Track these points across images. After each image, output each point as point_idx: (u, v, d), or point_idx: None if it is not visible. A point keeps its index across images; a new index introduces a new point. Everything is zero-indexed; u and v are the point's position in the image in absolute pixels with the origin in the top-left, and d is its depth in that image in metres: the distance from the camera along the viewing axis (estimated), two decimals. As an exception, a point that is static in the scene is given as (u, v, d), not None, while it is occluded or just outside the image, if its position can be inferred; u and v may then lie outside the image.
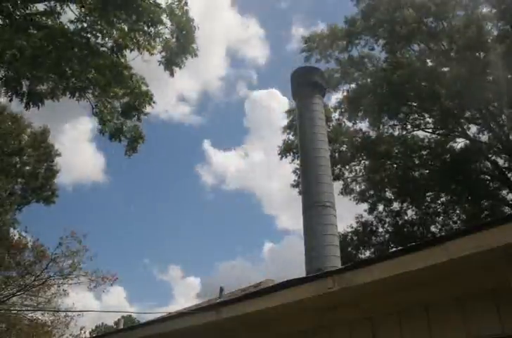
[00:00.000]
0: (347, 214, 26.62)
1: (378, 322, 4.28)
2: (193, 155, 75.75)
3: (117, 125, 11.12)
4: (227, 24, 48.55)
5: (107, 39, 10.04)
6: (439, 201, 21.83)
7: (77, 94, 10.33)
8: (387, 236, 22.01)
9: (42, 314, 18.23)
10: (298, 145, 15.63)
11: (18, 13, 8.89)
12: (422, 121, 21.66)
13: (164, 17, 10.29)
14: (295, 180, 22.34)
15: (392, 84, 18.84)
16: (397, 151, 21.39)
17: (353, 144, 21.99)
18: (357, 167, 22.89)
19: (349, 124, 22.53)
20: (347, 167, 22.72)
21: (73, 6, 9.80)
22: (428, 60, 20.48)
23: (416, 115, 21.60)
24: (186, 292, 70.29)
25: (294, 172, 22.56)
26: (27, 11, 9.22)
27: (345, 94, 22.27)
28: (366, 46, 21.44)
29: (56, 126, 44.10)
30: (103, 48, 10.02)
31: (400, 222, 21.79)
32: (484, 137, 20.73)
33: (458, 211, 21.47)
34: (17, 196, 20.80)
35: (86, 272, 17.54)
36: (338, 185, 22.44)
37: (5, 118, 19.79)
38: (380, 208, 22.31)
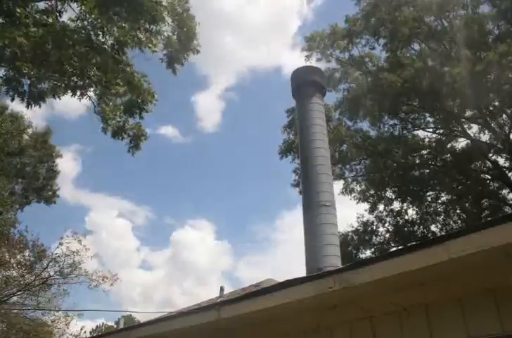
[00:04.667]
0: (348, 213, 26.65)
1: (378, 322, 4.28)
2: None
3: (119, 123, 11.12)
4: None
5: (108, 36, 10.04)
6: (439, 201, 21.84)
7: (78, 93, 10.32)
8: (387, 235, 22.03)
9: (42, 313, 18.27)
10: (298, 144, 15.61)
11: (19, 11, 8.89)
12: (422, 120, 21.67)
13: (165, 15, 10.29)
14: (295, 180, 22.36)
15: (393, 83, 18.82)
16: (397, 150, 21.36)
17: (353, 144, 21.98)
18: (358, 167, 22.91)
19: (350, 123, 22.55)
20: (348, 166, 22.72)
21: (74, 5, 9.81)
22: (429, 60, 20.47)
23: (417, 115, 21.59)
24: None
25: (294, 171, 22.58)
26: (28, 9, 9.21)
27: (346, 93, 22.28)
28: (367, 46, 21.46)
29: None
30: (104, 46, 10.01)
31: (401, 222, 21.80)
32: (485, 137, 20.76)
33: (458, 211, 21.46)
34: (17, 196, 20.82)
35: (87, 271, 17.58)
36: (339, 185, 22.48)
37: (5, 118, 19.78)
38: (381, 207, 22.34)
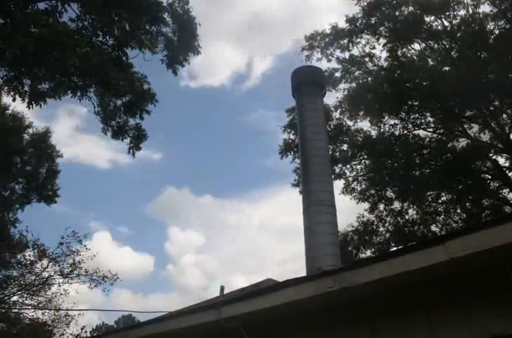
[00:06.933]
0: (348, 213, 26.68)
1: (378, 322, 4.28)
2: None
3: (119, 124, 11.12)
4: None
5: (108, 37, 10.04)
6: (440, 201, 21.80)
7: (78, 93, 10.31)
8: (387, 235, 22.00)
9: (43, 313, 18.25)
10: (298, 144, 15.63)
11: (20, 12, 8.88)
12: (423, 120, 21.60)
13: (165, 16, 10.31)
14: (295, 179, 22.34)
15: (393, 83, 18.80)
16: (397, 150, 21.34)
17: (354, 143, 21.96)
18: (358, 167, 22.88)
19: (350, 123, 22.53)
20: (348, 166, 22.70)
21: (74, 5, 9.80)
22: (429, 59, 20.47)
23: (417, 115, 21.54)
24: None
25: (294, 171, 22.56)
26: (28, 10, 9.21)
27: (346, 93, 22.28)
28: (367, 45, 21.45)
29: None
30: (105, 47, 10.02)
31: (401, 222, 21.77)
32: (485, 137, 20.71)
33: (458, 210, 21.45)
34: (18, 196, 20.80)
35: (87, 271, 17.57)
36: (339, 184, 22.46)
37: (6, 118, 19.78)
38: (381, 207, 22.30)
